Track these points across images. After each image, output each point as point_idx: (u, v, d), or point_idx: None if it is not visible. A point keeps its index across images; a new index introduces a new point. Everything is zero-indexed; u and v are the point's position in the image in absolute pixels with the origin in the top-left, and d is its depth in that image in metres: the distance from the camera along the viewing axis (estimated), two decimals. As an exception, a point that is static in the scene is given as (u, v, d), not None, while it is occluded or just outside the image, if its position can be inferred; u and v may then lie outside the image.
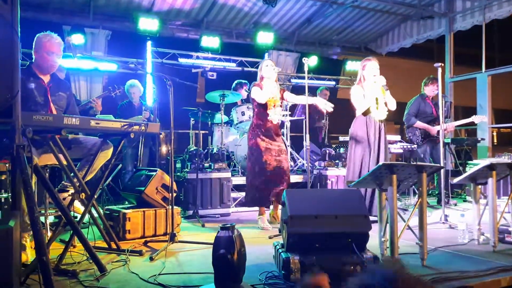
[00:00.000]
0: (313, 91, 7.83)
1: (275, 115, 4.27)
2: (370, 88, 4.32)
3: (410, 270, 0.84)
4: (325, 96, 7.59)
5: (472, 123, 5.98)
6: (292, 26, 8.89)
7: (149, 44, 7.68)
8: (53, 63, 3.27)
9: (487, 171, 3.33)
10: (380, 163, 3.13)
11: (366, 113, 4.34)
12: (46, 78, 3.31)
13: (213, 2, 7.65)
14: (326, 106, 4.34)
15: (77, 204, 3.32)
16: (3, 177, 3.44)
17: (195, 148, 5.64)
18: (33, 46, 3.26)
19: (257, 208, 4.42)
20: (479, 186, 3.54)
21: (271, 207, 4.53)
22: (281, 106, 4.38)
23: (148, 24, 7.27)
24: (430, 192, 6.53)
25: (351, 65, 9.43)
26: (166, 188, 3.95)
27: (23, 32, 2.14)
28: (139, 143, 5.86)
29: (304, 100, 4.35)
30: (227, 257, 2.10)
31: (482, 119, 5.92)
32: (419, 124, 5.85)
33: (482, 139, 6.98)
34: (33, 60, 3.29)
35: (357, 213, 2.65)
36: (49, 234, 3.30)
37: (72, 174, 3.08)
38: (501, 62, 8.61)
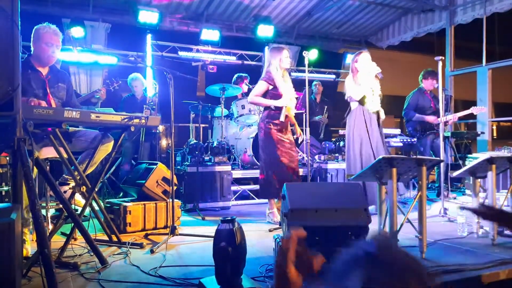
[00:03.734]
0: (311, 84, 7.85)
1: (291, 104, 4.19)
2: (364, 80, 4.35)
3: (398, 247, 0.82)
4: (318, 88, 7.76)
5: (473, 116, 5.98)
6: (292, 19, 8.85)
7: (149, 37, 7.66)
8: (52, 55, 3.24)
9: (486, 164, 3.34)
10: (380, 155, 3.14)
11: (362, 101, 4.37)
12: (44, 71, 3.29)
13: (213, -5, 7.62)
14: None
15: (77, 197, 3.33)
16: (4, 170, 3.46)
17: (195, 141, 5.64)
18: (31, 38, 3.23)
19: (257, 201, 4.40)
20: (479, 180, 3.55)
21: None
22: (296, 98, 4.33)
23: (148, 17, 7.24)
24: (429, 185, 6.54)
25: (351, 59, 9.39)
26: (167, 182, 3.96)
27: (23, 25, 2.13)
28: (140, 137, 5.85)
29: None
30: (228, 250, 2.11)
31: (481, 110, 5.92)
32: (418, 117, 5.86)
33: (482, 132, 6.98)
34: (31, 53, 3.27)
35: (357, 206, 2.65)
36: (50, 227, 3.32)
37: (72, 167, 3.09)
38: (502, 56, 8.58)
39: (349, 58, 9.35)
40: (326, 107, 7.49)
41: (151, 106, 5.51)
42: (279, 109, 4.14)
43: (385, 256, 0.76)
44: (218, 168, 5.13)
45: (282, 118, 4.07)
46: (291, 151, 4.18)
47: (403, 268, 0.75)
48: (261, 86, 4.15)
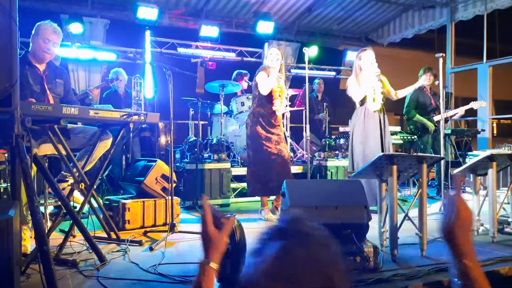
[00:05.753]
0: (312, 82, 7.84)
1: (281, 106, 4.21)
2: (367, 78, 4.31)
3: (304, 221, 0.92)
4: (320, 86, 7.76)
5: (473, 114, 5.97)
6: (293, 15, 8.81)
7: (148, 33, 7.62)
8: (47, 51, 3.23)
9: (487, 162, 3.33)
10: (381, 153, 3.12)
11: (363, 101, 4.34)
12: (41, 67, 3.29)
13: (212, -9, 7.59)
14: None
15: (76, 194, 3.32)
16: (2, 167, 3.44)
17: (194, 138, 5.62)
18: (32, 34, 3.23)
19: (257, 199, 4.39)
20: (479, 177, 3.54)
21: (272, 197, 4.50)
22: (286, 97, 4.32)
23: (147, 13, 7.19)
24: (429, 183, 6.53)
25: (351, 56, 9.30)
26: (166, 179, 3.94)
27: (21, 21, 2.11)
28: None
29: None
30: (228, 248, 2.09)
31: (481, 104, 5.91)
32: (418, 118, 5.85)
33: (482, 130, 6.96)
34: (29, 49, 3.26)
35: (357, 204, 2.65)
36: (49, 224, 3.30)
37: (71, 164, 3.07)
38: (502, 53, 8.55)
39: (349, 55, 9.31)
40: (325, 104, 7.49)
41: (137, 101, 5.43)
42: (266, 107, 4.19)
43: (294, 228, 0.90)
44: (217, 165, 5.11)
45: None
46: (279, 146, 4.17)
47: (314, 239, 0.88)
48: (262, 75, 4.17)
